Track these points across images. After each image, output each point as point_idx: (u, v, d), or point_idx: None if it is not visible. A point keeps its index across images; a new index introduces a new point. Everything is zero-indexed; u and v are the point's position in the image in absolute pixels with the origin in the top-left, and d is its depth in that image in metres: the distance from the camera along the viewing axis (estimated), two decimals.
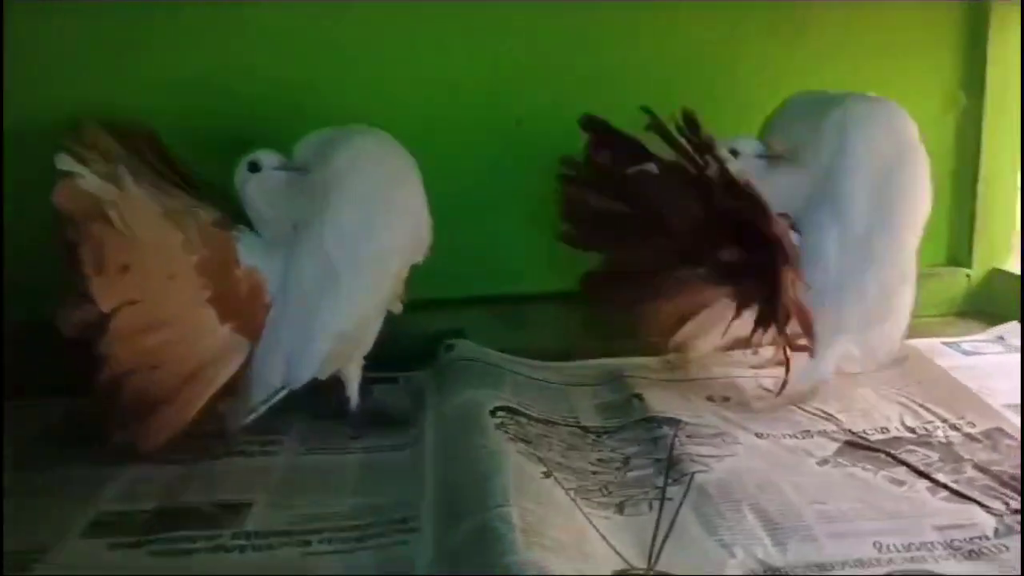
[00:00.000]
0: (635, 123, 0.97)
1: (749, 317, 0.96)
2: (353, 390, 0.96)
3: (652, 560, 0.70)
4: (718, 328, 0.99)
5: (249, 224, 0.95)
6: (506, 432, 0.87)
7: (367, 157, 0.94)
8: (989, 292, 1.33)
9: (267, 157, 0.95)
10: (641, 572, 0.69)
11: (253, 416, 0.90)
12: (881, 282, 0.97)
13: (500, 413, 0.92)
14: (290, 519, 0.79)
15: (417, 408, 1.01)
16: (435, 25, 1.16)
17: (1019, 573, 0.65)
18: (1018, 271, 1.32)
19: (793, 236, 0.96)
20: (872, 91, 1.09)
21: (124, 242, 0.83)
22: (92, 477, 0.86)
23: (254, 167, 0.94)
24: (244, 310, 0.90)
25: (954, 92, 1.30)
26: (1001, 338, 1.22)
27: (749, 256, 0.93)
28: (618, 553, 0.71)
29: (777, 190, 0.95)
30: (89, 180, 0.82)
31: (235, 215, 0.95)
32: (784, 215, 0.97)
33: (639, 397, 1.01)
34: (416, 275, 1.03)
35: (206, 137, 1.07)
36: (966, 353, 1.17)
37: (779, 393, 0.97)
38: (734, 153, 0.99)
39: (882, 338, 1.00)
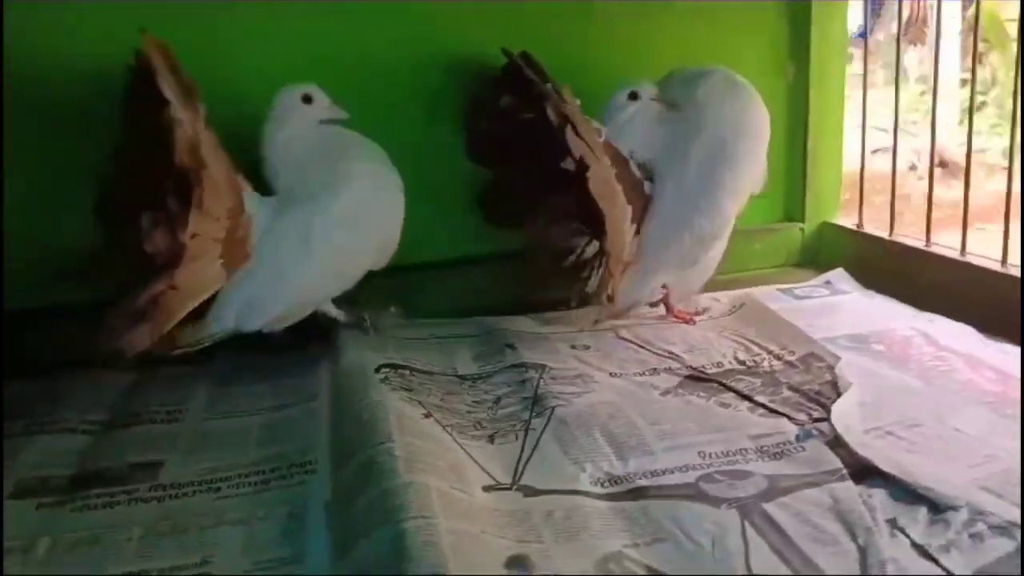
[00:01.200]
0: None
1: None
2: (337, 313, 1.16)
3: (516, 477, 0.83)
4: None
5: None
6: (389, 384, 0.99)
7: (376, 171, 1.11)
8: (820, 243, 1.51)
9: (322, 96, 1.10)
10: (506, 485, 0.81)
11: (197, 347, 1.04)
12: (697, 234, 1.16)
13: (384, 369, 1.03)
14: (200, 472, 0.88)
15: (315, 368, 1.11)
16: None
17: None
18: (846, 224, 1.49)
19: (647, 185, 1.17)
20: (716, 61, 1.26)
21: (213, 186, 0.96)
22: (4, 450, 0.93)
23: (307, 99, 1.08)
24: (234, 251, 1.03)
25: (784, 63, 1.47)
26: (828, 282, 1.39)
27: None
28: (488, 473, 0.83)
29: (656, 136, 1.16)
30: (187, 122, 0.95)
31: None
32: (641, 166, 1.17)
33: (511, 347, 1.14)
34: None
35: None
36: (797, 297, 1.34)
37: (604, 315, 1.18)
38: (634, 96, 1.17)
39: (688, 280, 1.21)
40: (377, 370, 1.03)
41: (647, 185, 1.17)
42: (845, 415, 0.89)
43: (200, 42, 1.16)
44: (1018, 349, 1.06)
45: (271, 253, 1.05)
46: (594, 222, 1.08)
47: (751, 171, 1.18)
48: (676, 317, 1.24)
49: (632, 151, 1.17)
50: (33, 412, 1.02)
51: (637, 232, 1.15)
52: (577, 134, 1.06)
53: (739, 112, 1.17)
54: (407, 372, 1.05)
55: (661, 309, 1.26)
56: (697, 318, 1.25)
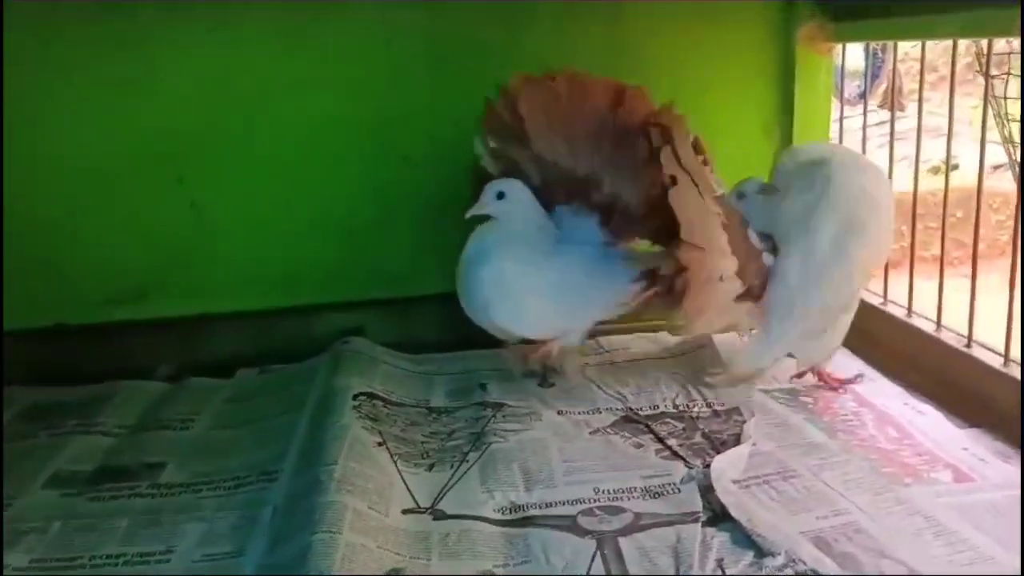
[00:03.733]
0: None
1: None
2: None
3: (434, 502, 0.99)
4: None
5: None
6: (358, 412, 1.16)
7: None
8: None
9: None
10: (422, 509, 0.98)
11: None
12: (825, 307, 1.18)
13: (361, 397, 1.21)
14: (191, 475, 1.09)
15: (310, 381, 1.30)
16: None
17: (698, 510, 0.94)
18: None
19: (767, 256, 1.20)
20: (705, 121, 1.38)
21: None
22: (49, 445, 1.16)
23: (501, 196, 1.22)
24: None
25: (771, 123, 1.58)
26: None
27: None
28: (413, 498, 1.00)
29: (775, 210, 1.20)
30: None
31: None
32: (767, 236, 1.21)
33: (483, 386, 1.30)
34: (326, 282, 1.47)
35: None
36: None
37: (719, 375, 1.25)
38: (741, 195, 1.22)
39: (818, 348, 1.23)
40: (355, 397, 1.20)
41: (766, 256, 1.20)
42: (724, 464, 1.02)
43: None
44: (934, 411, 1.17)
45: None
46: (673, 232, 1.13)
47: (880, 245, 1.21)
48: (828, 383, 1.27)
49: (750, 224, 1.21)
50: (80, 415, 1.25)
51: (756, 299, 1.19)
52: (677, 157, 1.15)
53: (869, 187, 1.20)
54: (380, 403, 1.22)
55: (807, 378, 1.29)
56: (849, 385, 1.26)
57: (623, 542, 0.90)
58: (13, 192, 1.38)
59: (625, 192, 1.27)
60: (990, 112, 1.40)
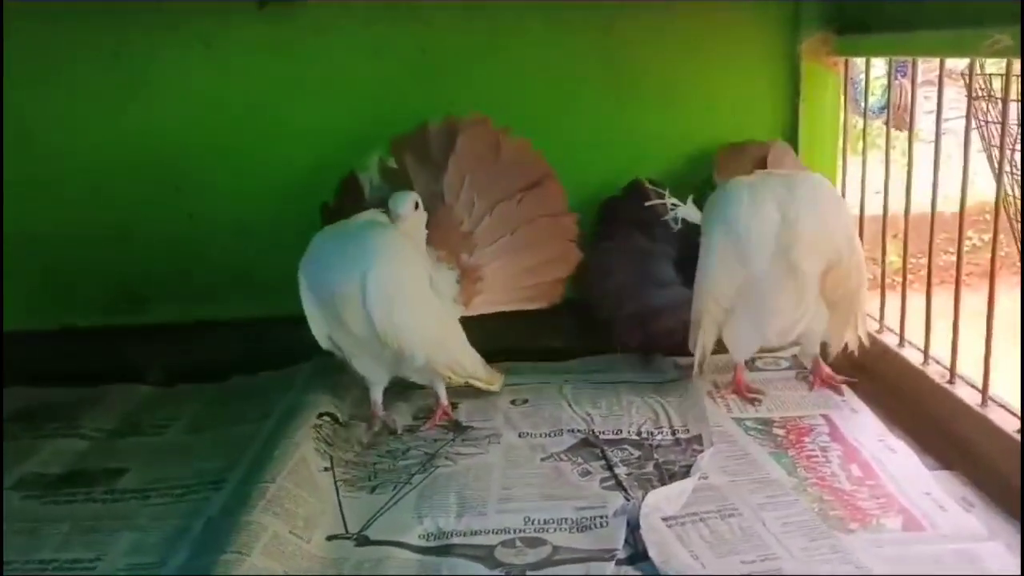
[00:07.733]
0: None
1: None
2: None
3: (364, 527, 0.99)
4: None
5: None
6: (316, 432, 1.16)
7: None
8: None
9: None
10: (349, 535, 0.98)
11: None
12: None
13: (324, 417, 1.21)
14: (147, 481, 1.12)
15: (285, 390, 1.32)
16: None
17: None
18: None
19: None
20: (710, 137, 1.45)
21: None
22: (28, 448, 1.20)
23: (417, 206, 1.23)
24: None
25: (777, 140, 1.52)
26: (794, 356, 1.44)
27: None
28: (344, 523, 1.00)
29: None
30: None
31: None
32: None
33: (454, 405, 1.29)
34: None
35: None
36: (755, 368, 1.40)
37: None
38: None
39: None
40: (319, 416, 1.20)
41: None
42: (659, 499, 0.98)
43: None
44: (908, 450, 1.11)
45: None
46: None
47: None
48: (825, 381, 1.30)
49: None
50: (64, 417, 1.29)
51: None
52: None
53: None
54: (341, 427, 1.22)
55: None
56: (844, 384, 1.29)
57: None
58: (17, 197, 1.44)
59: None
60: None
